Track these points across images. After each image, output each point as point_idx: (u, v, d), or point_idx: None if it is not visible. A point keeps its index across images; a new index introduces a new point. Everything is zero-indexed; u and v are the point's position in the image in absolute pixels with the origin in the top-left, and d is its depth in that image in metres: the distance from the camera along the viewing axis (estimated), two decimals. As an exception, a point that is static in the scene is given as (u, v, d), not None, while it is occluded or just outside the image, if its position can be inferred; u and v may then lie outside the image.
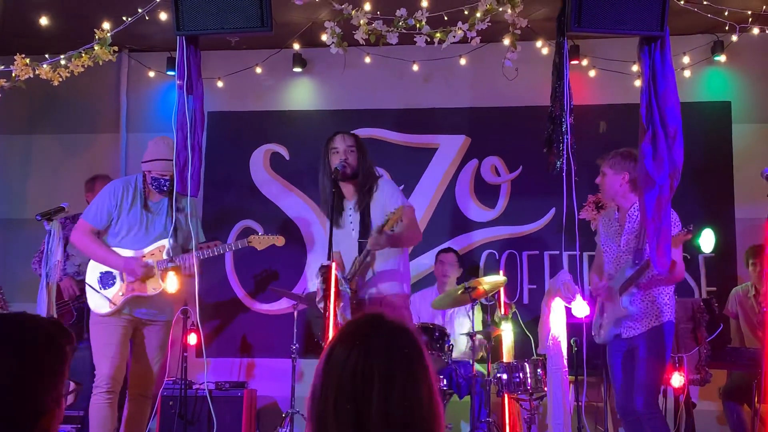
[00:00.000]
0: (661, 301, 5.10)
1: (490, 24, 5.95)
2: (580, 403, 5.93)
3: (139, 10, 6.09)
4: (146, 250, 5.25)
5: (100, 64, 6.21)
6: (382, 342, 1.82)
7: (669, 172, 4.35)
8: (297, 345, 6.70)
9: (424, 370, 1.82)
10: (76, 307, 6.36)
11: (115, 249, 5.25)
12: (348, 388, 1.76)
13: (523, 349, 6.59)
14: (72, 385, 6.11)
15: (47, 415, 1.90)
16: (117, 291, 5.21)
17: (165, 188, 5.26)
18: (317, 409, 1.79)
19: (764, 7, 6.79)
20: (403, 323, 1.89)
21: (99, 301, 5.23)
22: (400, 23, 5.95)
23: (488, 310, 6.45)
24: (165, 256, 5.22)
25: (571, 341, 5.87)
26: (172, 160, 5.17)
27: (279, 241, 5.50)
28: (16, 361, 1.90)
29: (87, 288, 5.31)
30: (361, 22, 5.94)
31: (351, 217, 5.02)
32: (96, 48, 6.06)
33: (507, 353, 6.35)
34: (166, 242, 5.23)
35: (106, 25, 6.13)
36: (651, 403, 5.02)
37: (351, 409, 1.74)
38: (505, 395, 5.99)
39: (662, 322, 5.08)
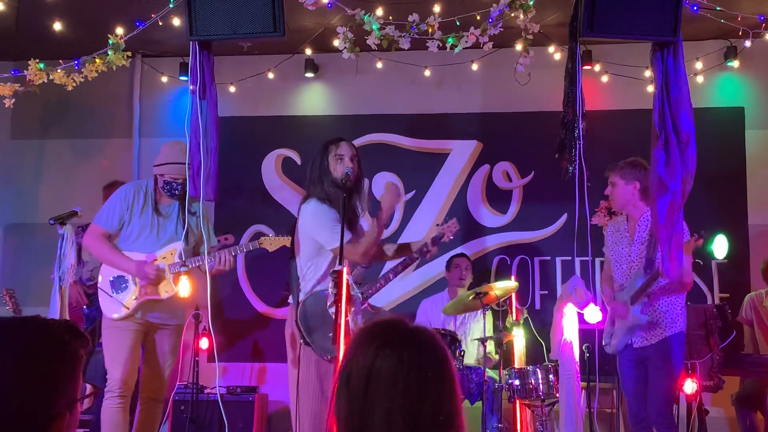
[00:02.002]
0: (673, 312, 5.09)
1: (502, 29, 5.96)
2: (592, 410, 5.92)
3: (153, 16, 6.12)
4: (158, 253, 5.26)
5: (114, 69, 6.25)
6: (427, 344, 1.82)
7: (682, 178, 4.33)
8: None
9: (454, 372, 1.84)
10: (87, 313, 6.38)
11: (126, 253, 5.26)
12: (403, 391, 1.74)
13: (534, 354, 6.57)
14: (89, 389, 6.15)
15: (59, 420, 1.89)
16: (129, 295, 5.22)
17: (177, 192, 5.27)
18: (357, 412, 1.76)
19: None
20: (422, 326, 1.90)
21: (111, 306, 5.24)
22: (413, 28, 5.95)
23: (500, 316, 6.43)
24: (177, 259, 5.23)
25: (583, 347, 5.85)
26: (185, 164, 5.19)
27: (290, 242, 5.46)
28: (25, 366, 1.88)
29: (100, 292, 5.32)
30: (374, 27, 5.95)
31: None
32: (109, 53, 6.10)
33: (519, 359, 6.32)
34: (177, 245, 5.24)
35: (119, 31, 6.16)
36: (666, 414, 5.01)
37: (404, 411, 1.73)
38: (517, 401, 5.97)
39: (674, 332, 5.07)
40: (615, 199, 5.35)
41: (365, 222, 5.01)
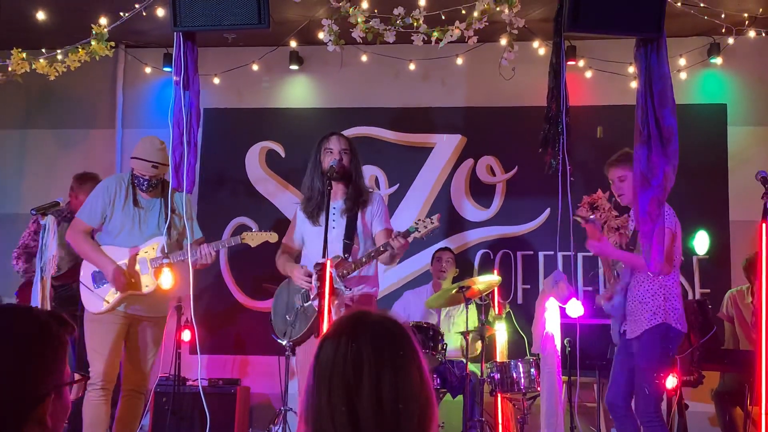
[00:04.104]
0: (654, 302, 5.04)
1: (487, 24, 5.97)
2: (572, 403, 5.95)
3: (137, 6, 6.09)
4: (141, 247, 5.24)
5: (97, 59, 6.21)
6: (369, 330, 1.84)
7: (664, 174, 4.35)
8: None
9: (412, 352, 1.84)
10: (57, 305, 6.35)
11: (110, 247, 5.23)
12: (339, 379, 1.78)
13: (516, 348, 6.60)
14: (77, 377, 6.12)
15: (44, 402, 1.91)
16: (111, 289, 5.19)
17: (143, 188, 5.26)
18: (311, 403, 1.80)
19: (760, 9, 6.81)
20: (387, 314, 1.92)
21: (92, 300, 5.22)
22: (398, 22, 5.95)
23: (482, 310, 6.45)
24: (159, 254, 5.21)
25: (565, 341, 5.88)
26: (150, 162, 5.18)
27: (272, 237, 5.44)
28: (8, 350, 1.91)
29: (81, 286, 5.30)
30: (359, 20, 5.95)
31: (334, 217, 5.02)
32: (93, 43, 6.07)
33: (500, 353, 6.35)
34: (160, 239, 5.22)
35: (103, 21, 6.13)
36: (648, 409, 4.99)
37: (344, 399, 1.76)
38: (499, 395, 6.00)
39: (653, 324, 5.02)
40: (627, 193, 5.23)
41: (369, 214, 5.06)
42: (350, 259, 4.93)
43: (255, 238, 5.40)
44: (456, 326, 6.76)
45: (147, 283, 5.21)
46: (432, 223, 4.85)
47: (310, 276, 4.90)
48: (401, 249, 4.85)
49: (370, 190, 5.30)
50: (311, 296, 4.89)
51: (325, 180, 4.90)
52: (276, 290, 5.32)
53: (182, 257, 5.16)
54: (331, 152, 5.05)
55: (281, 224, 7.61)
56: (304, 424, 1.83)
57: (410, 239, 4.86)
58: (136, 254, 5.22)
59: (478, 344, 6.35)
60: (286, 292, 5.19)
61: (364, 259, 4.90)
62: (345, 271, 4.87)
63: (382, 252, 4.86)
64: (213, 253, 5.23)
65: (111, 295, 5.18)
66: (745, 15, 6.89)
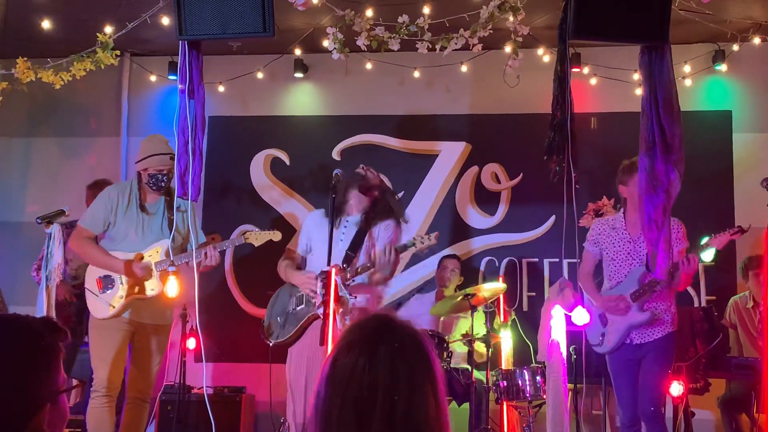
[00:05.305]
0: (672, 310, 5.22)
1: (491, 31, 5.97)
2: (578, 411, 5.93)
3: (142, 15, 6.10)
4: (145, 252, 5.24)
5: (102, 67, 6.23)
6: (388, 351, 1.78)
7: (669, 181, 4.34)
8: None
9: (431, 379, 1.79)
10: (74, 312, 6.36)
11: (114, 253, 5.24)
12: (353, 399, 1.74)
13: (522, 356, 6.58)
14: (74, 383, 6.12)
15: (40, 412, 1.90)
16: (116, 294, 5.20)
17: (163, 183, 5.26)
18: (322, 417, 1.77)
19: (766, 16, 6.80)
20: (411, 329, 1.85)
21: (98, 305, 5.22)
22: (402, 29, 5.96)
23: (488, 318, 6.43)
24: (162, 257, 5.21)
25: (571, 349, 5.86)
26: (167, 154, 5.19)
27: (276, 236, 5.42)
28: (2, 361, 1.90)
29: (86, 292, 5.30)
30: (363, 27, 5.96)
31: (345, 230, 5.05)
32: (98, 52, 6.08)
33: (506, 360, 6.33)
34: (163, 244, 5.22)
35: (108, 29, 6.15)
36: (659, 412, 5.06)
37: (355, 420, 1.73)
38: (504, 403, 5.98)
39: (674, 330, 5.22)
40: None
41: (377, 235, 5.08)
42: (348, 269, 4.95)
43: (258, 237, 5.40)
44: (460, 330, 6.77)
45: (152, 287, 5.22)
46: (430, 240, 4.95)
47: (315, 278, 4.92)
48: (386, 260, 4.90)
49: (405, 220, 5.34)
50: (317, 303, 4.89)
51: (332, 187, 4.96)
52: (274, 294, 5.35)
53: (185, 259, 5.16)
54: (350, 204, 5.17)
55: (286, 231, 7.62)
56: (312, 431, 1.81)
57: (407, 253, 4.99)
58: (141, 258, 5.22)
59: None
60: (286, 294, 5.22)
61: (359, 269, 4.93)
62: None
63: (368, 268, 4.93)
64: (216, 254, 5.23)
65: (117, 300, 5.18)
66: (750, 22, 6.89)
